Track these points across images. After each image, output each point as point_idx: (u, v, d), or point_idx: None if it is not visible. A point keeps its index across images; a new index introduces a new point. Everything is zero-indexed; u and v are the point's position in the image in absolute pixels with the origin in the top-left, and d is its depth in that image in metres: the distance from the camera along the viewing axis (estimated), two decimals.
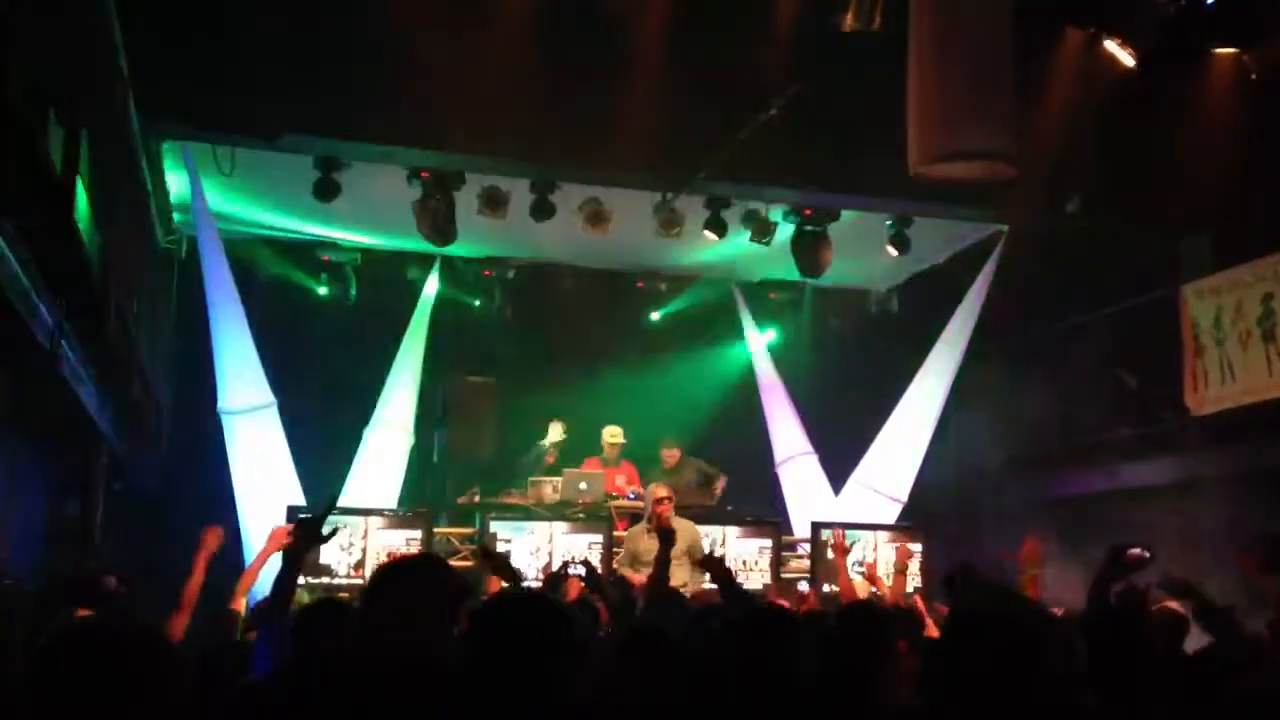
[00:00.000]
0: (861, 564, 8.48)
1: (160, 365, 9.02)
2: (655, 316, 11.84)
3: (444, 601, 2.51)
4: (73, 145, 4.73)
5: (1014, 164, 5.90)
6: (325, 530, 3.74)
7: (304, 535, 3.74)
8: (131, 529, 8.16)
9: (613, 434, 10.11)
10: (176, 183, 8.95)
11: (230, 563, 6.07)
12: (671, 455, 10.13)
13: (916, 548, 8.78)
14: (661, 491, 7.89)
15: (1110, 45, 7.88)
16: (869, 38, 7.56)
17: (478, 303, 11.34)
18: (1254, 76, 7.75)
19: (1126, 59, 7.83)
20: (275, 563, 5.77)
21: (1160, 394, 8.84)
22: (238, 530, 8.55)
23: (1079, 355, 9.20)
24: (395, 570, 2.75)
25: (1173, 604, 4.61)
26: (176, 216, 9.57)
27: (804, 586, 8.45)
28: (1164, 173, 8.07)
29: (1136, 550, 3.75)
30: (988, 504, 9.71)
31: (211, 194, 8.85)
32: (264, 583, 5.44)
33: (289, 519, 7.80)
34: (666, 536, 5.01)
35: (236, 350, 9.04)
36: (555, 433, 10.00)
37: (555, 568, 7.97)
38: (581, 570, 4.84)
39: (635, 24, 8.03)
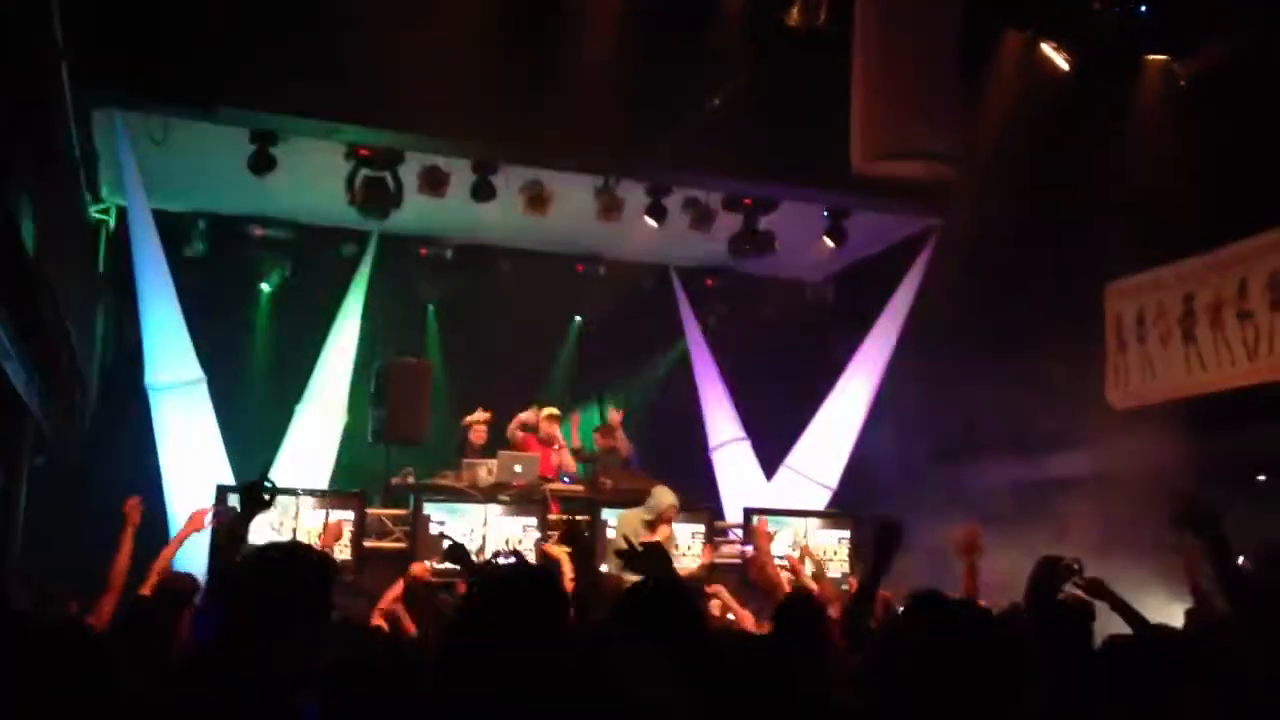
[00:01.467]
0: (793, 548, 8.58)
1: (87, 338, 8.82)
2: (591, 300, 11.85)
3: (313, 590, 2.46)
4: (4, 118, 4.61)
5: (955, 164, 6.01)
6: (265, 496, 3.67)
7: (250, 500, 3.66)
8: (55, 505, 7.98)
9: (549, 413, 10.12)
10: (107, 152, 8.73)
11: (155, 543, 5.95)
12: (616, 416, 10.35)
13: (845, 534, 8.95)
14: (671, 499, 7.79)
15: (1047, 48, 8.06)
16: (814, 33, 7.63)
17: (414, 282, 11.24)
18: (1183, 84, 7.97)
19: (1062, 63, 8.02)
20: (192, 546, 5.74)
21: (1084, 388, 9.08)
22: (163, 508, 8.41)
23: (1006, 349, 9.41)
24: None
25: (1079, 594, 4.76)
26: (105, 187, 9.34)
27: None
28: (1093, 174, 8.28)
29: (1067, 561, 3.85)
30: (915, 492, 9.89)
31: (143, 165, 8.64)
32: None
33: (217, 498, 7.70)
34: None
35: (165, 324, 8.85)
36: (480, 415, 10.02)
37: (489, 552, 8.04)
38: (511, 560, 4.83)
39: (583, 8, 8.01)
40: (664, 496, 7.82)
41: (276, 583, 2.35)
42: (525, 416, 10.12)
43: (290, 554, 2.52)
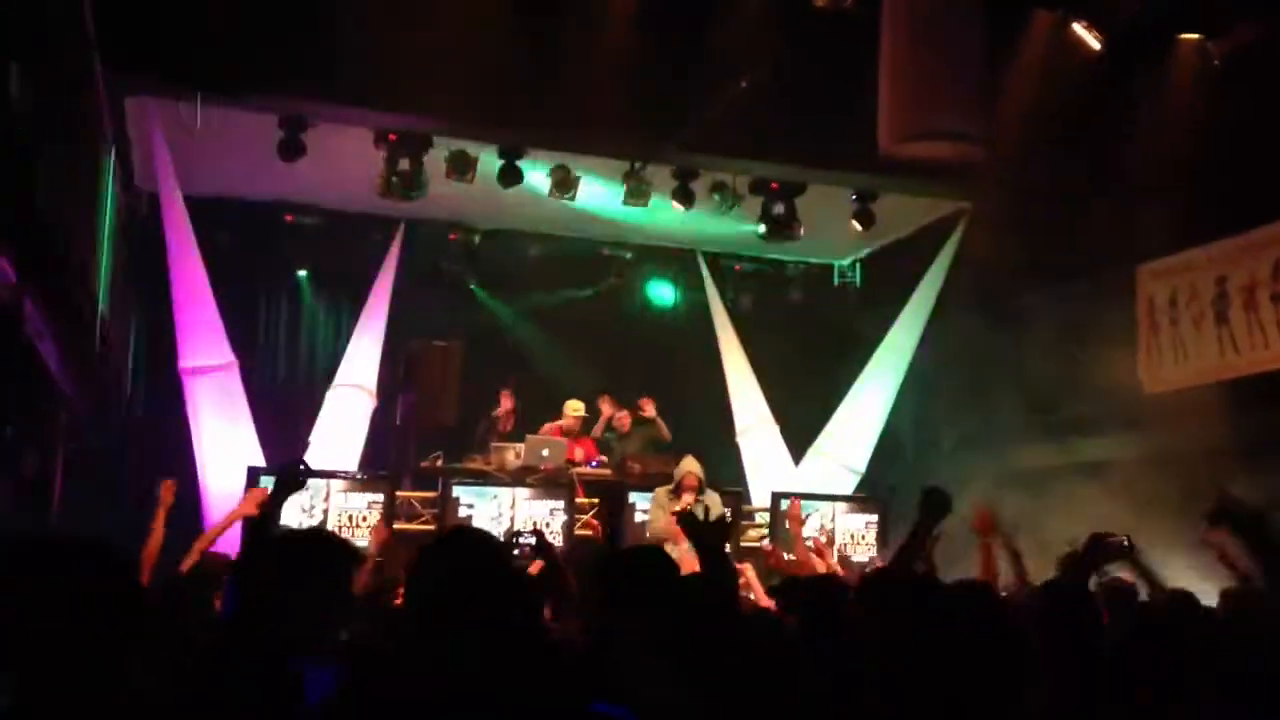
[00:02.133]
0: (820, 533, 8.58)
1: (121, 323, 8.94)
2: (620, 284, 11.87)
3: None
4: (34, 97, 4.67)
5: (983, 145, 5.96)
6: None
7: (284, 482, 3.67)
8: (90, 487, 8.09)
9: (574, 408, 10.15)
10: (138, 139, 8.82)
11: (188, 526, 6.03)
12: (649, 405, 10.34)
13: (873, 518, 8.94)
14: (694, 467, 7.86)
15: (1078, 28, 7.97)
16: (841, 15, 7.59)
17: (442, 266, 11.29)
18: (1216, 63, 7.86)
19: (1093, 42, 7.93)
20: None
21: (1115, 372, 9.00)
22: (196, 490, 8.52)
23: (1038, 331, 9.35)
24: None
25: (1124, 575, 4.73)
26: (138, 173, 9.43)
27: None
28: (1125, 155, 8.19)
29: (1117, 538, 3.79)
30: (944, 476, 9.85)
31: (175, 152, 8.72)
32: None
33: (249, 480, 7.79)
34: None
35: (197, 309, 8.94)
36: (506, 402, 10.03)
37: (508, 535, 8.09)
38: (532, 540, 4.79)
39: None
40: (685, 464, 7.94)
41: (294, 567, 2.38)
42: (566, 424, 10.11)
43: (311, 540, 2.56)
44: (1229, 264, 8.32)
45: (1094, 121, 8.18)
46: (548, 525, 8.41)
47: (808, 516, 8.36)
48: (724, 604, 2.94)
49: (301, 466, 3.62)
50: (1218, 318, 8.32)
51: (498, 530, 8.24)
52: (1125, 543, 3.84)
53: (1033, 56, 7.99)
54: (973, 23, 5.85)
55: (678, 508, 7.09)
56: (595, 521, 7.09)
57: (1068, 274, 9.03)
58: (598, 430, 10.43)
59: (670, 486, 7.89)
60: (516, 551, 4.84)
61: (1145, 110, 8.10)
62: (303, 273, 10.99)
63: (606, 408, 10.58)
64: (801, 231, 9.94)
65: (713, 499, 7.86)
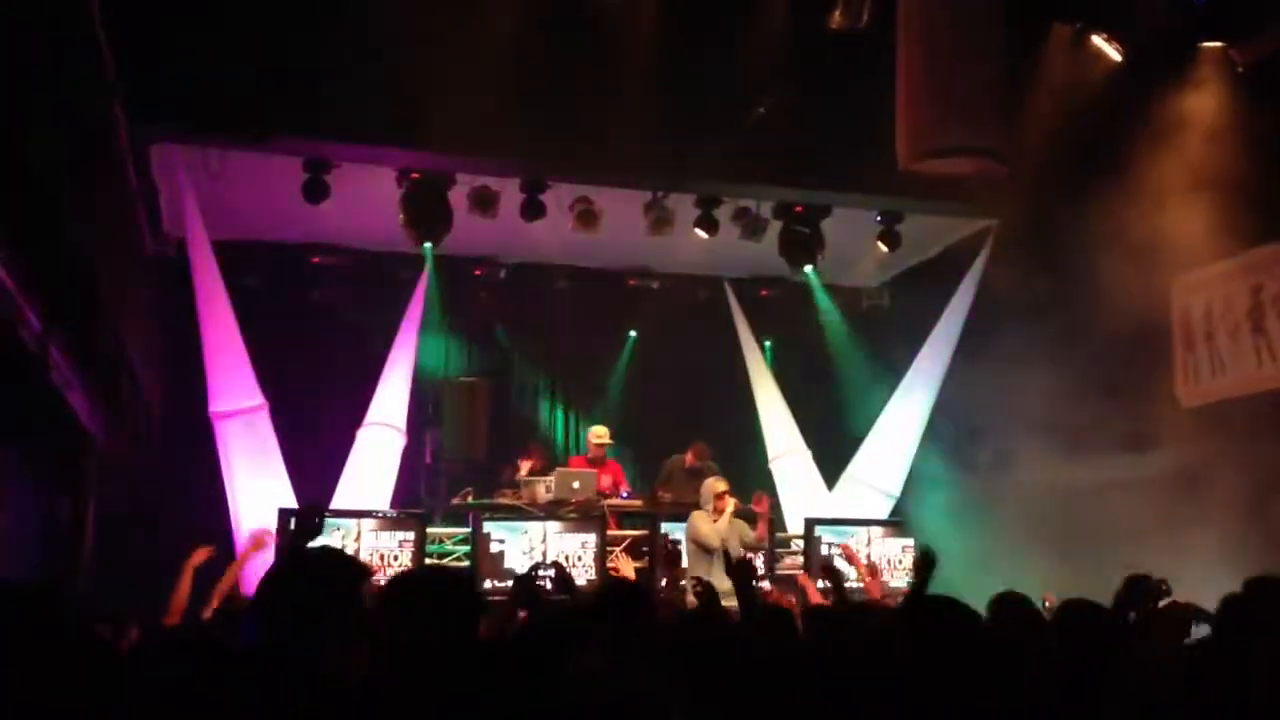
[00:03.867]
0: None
1: (151, 369, 9.00)
2: (648, 315, 11.85)
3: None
4: (58, 147, 4.72)
5: (1004, 160, 5.90)
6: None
7: (301, 528, 3.67)
8: (122, 532, 8.13)
9: (598, 434, 10.10)
10: (165, 185, 8.92)
11: (221, 573, 6.03)
12: (695, 454, 10.07)
13: (909, 542, 8.82)
14: (721, 485, 8.07)
15: (1098, 40, 7.90)
16: (858, 35, 7.57)
17: (470, 303, 11.32)
18: (1240, 70, 7.76)
19: (1114, 54, 7.85)
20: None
21: (1152, 387, 8.84)
22: (229, 534, 8.54)
23: (1071, 348, 9.21)
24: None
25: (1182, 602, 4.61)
26: (166, 220, 9.54)
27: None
28: (1153, 167, 8.09)
29: (1157, 581, 3.74)
30: (979, 496, 9.70)
31: (201, 197, 8.81)
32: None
33: (280, 523, 7.79)
34: (744, 572, 4.26)
35: (226, 353, 8.99)
36: (525, 467, 9.88)
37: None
38: (551, 573, 4.80)
39: (625, 22, 8.02)
40: (711, 485, 8.09)
41: (302, 583, 2.39)
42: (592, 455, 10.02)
43: (317, 557, 2.57)
44: (1263, 273, 8.17)
45: (1118, 133, 8.08)
46: (580, 559, 8.36)
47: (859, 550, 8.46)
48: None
49: (317, 514, 3.62)
50: (1254, 328, 8.17)
51: (528, 564, 8.19)
52: (1164, 586, 3.78)
53: (1053, 70, 7.92)
54: (991, 37, 5.80)
55: (719, 521, 7.80)
56: (620, 564, 7.45)
57: (1098, 289, 8.90)
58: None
59: (705, 507, 8.01)
60: (539, 585, 4.78)
61: (1170, 120, 8.00)
62: (332, 312, 11.04)
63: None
64: (826, 255, 9.88)
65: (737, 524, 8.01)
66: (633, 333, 12.00)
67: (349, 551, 7.98)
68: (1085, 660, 3.08)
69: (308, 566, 2.49)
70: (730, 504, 7.94)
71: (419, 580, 2.83)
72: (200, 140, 8.12)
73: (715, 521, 7.82)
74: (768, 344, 11.79)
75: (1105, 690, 2.94)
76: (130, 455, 8.37)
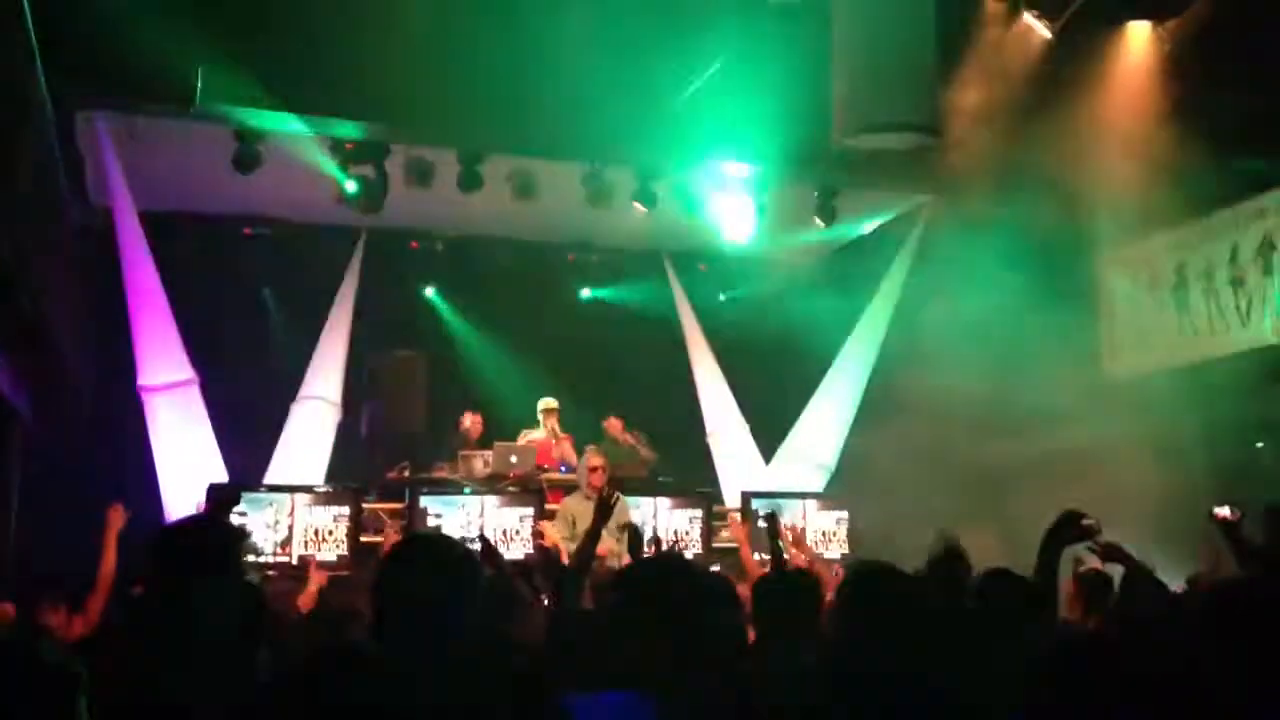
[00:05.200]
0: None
1: (79, 342, 8.81)
2: (586, 289, 11.83)
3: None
4: None
5: (938, 136, 5.97)
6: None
7: (222, 499, 3.65)
8: (47, 509, 7.97)
9: (546, 404, 10.07)
10: (91, 154, 8.70)
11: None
12: (613, 426, 10.09)
13: (843, 515, 8.93)
14: (596, 460, 7.86)
15: (1028, 17, 8.01)
16: (795, 8, 7.58)
17: (405, 276, 11.22)
18: (1167, 48, 7.91)
19: (1044, 31, 7.96)
20: None
21: (1078, 360, 9.03)
22: (159, 509, 8.40)
23: (1000, 322, 9.37)
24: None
25: (1098, 566, 4.73)
26: (91, 190, 9.31)
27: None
28: (1081, 143, 8.22)
29: (1091, 521, 3.78)
30: (913, 469, 9.85)
31: (128, 166, 8.61)
32: None
33: (209, 497, 7.67)
34: (604, 508, 4.90)
35: (155, 326, 8.83)
36: (468, 422, 9.85)
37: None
38: (477, 545, 4.84)
39: None
40: (586, 459, 7.95)
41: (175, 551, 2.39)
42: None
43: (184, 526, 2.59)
44: (1188, 249, 8.38)
45: (1048, 110, 8.21)
46: (518, 533, 8.34)
47: (747, 521, 8.31)
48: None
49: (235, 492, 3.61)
50: (1178, 303, 8.38)
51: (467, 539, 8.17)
52: (1096, 527, 3.82)
53: (984, 46, 8.01)
54: (923, 13, 5.85)
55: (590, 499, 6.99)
56: (545, 530, 7.27)
57: (1027, 264, 9.05)
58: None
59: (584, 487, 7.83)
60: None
61: (1098, 98, 8.14)
62: (264, 286, 10.87)
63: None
64: (763, 228, 9.93)
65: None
66: (572, 307, 11.94)
67: (283, 527, 7.92)
68: (1006, 629, 3.14)
69: (175, 537, 2.49)
70: (603, 477, 7.68)
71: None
72: (126, 108, 7.92)
73: (589, 498, 7.42)
74: (706, 318, 11.81)
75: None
76: (57, 430, 8.20)
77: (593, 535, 4.74)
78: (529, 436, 9.94)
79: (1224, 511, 4.42)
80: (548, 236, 11.10)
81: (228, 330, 9.74)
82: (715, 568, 7.66)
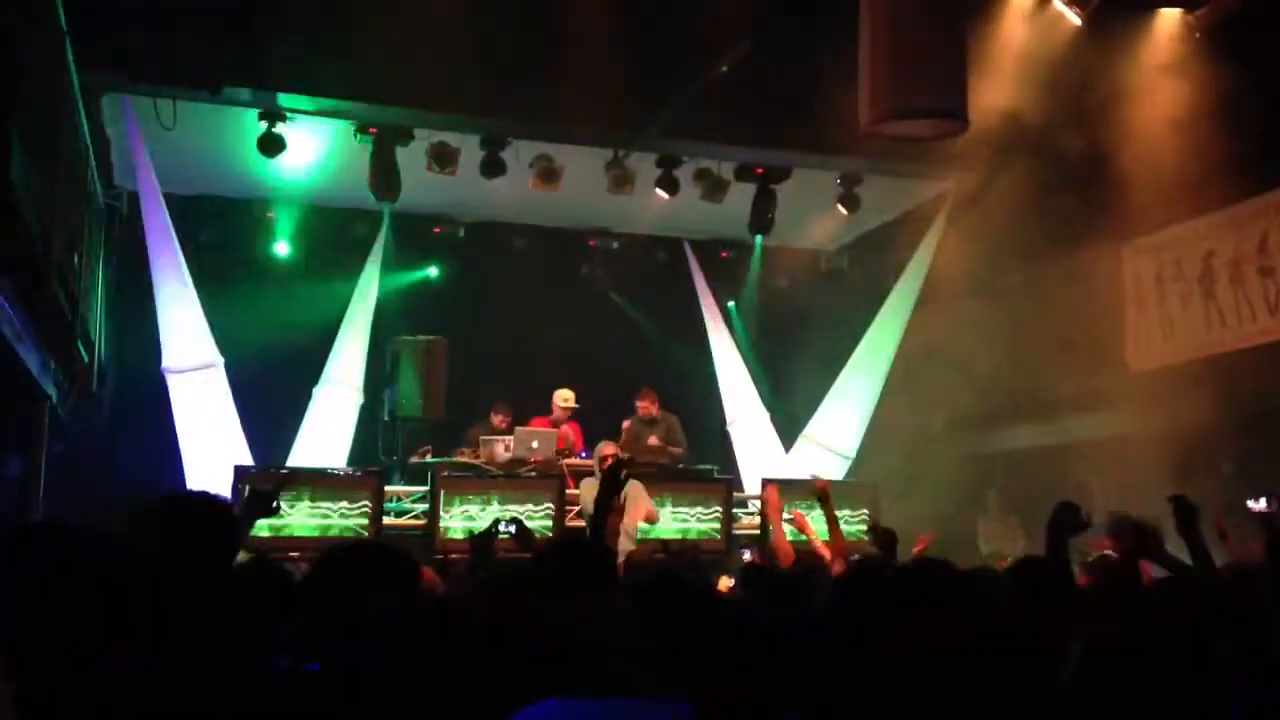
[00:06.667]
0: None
1: (103, 324, 8.87)
2: (607, 274, 11.81)
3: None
4: (6, 97, 4.61)
5: (965, 122, 5.92)
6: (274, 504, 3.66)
7: (254, 504, 3.62)
8: (74, 491, 8.03)
9: (564, 398, 10.04)
10: (117, 137, 8.74)
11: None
12: (647, 407, 9.82)
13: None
14: (608, 450, 7.88)
15: (1058, 3, 7.93)
16: None
17: (428, 260, 11.24)
18: (1198, 36, 7.83)
19: (1074, 17, 7.89)
20: None
21: (1103, 350, 8.98)
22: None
23: (1025, 311, 9.34)
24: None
25: (1110, 551, 4.71)
26: (118, 172, 9.36)
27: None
28: (1109, 132, 8.16)
29: (1087, 512, 3.79)
30: (934, 459, 9.83)
31: (154, 149, 8.64)
32: None
33: (236, 479, 7.71)
34: (611, 481, 4.59)
35: (180, 309, 8.88)
36: (496, 419, 9.80)
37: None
38: (512, 529, 4.70)
39: None
40: (599, 449, 7.98)
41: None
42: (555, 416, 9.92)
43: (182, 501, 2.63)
44: (1216, 239, 8.30)
45: (1076, 99, 8.14)
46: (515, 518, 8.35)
47: (787, 501, 8.25)
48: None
49: (275, 498, 3.59)
50: (1205, 293, 8.31)
51: (486, 522, 8.17)
52: (1088, 519, 3.83)
53: (1013, 33, 7.95)
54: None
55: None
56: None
57: (1053, 253, 9.00)
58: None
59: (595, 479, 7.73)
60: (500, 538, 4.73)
61: (1127, 86, 8.07)
62: (288, 269, 10.89)
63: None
64: (785, 217, 9.90)
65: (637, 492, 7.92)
66: (593, 293, 11.90)
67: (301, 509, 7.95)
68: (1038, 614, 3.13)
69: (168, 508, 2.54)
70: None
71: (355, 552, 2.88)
72: (153, 91, 7.95)
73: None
74: (731, 306, 11.81)
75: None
76: (84, 410, 8.26)
77: (600, 506, 4.57)
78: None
79: (1259, 505, 4.35)
80: (569, 222, 11.10)
81: (252, 313, 9.76)
82: (745, 553, 7.65)
